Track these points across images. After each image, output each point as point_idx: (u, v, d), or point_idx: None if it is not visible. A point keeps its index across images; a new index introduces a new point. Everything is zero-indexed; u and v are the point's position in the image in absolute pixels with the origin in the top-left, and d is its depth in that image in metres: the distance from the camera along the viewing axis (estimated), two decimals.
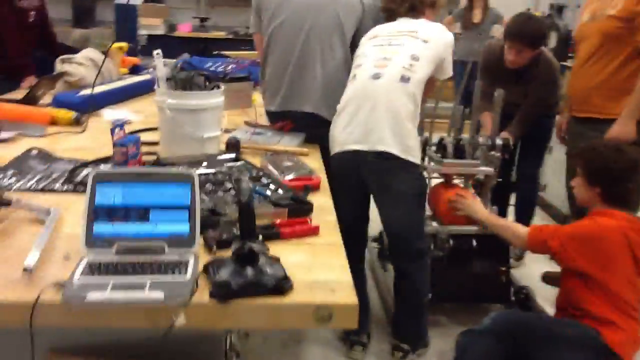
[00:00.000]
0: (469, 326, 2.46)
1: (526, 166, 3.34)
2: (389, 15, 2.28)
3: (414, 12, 2.24)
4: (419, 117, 2.16)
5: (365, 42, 2.22)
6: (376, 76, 2.08)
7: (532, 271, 3.32)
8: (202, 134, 1.93)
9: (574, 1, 4.09)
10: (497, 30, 5.95)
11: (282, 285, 1.15)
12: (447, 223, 2.62)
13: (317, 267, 1.28)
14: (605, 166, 2.04)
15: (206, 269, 1.21)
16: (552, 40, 4.43)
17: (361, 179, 2.17)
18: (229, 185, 1.69)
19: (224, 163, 1.90)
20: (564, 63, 3.39)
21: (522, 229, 2.21)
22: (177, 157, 1.88)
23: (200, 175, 1.73)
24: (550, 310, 2.59)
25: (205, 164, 1.85)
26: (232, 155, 1.98)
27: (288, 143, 2.18)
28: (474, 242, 2.61)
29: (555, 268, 3.26)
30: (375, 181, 2.15)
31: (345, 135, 2.10)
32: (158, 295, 1.08)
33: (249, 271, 1.16)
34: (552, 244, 2.03)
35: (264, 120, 2.47)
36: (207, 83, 1.99)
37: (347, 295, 1.17)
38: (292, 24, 2.25)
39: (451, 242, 2.57)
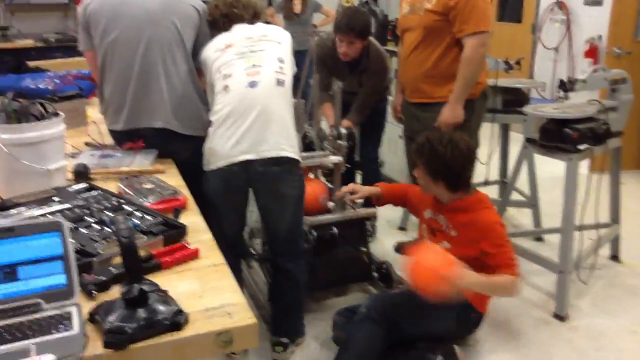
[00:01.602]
0: (336, 307, 2.62)
1: (368, 149, 3.55)
2: (229, 21, 2.24)
3: (256, 18, 2.27)
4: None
5: (220, 52, 2.14)
6: (252, 84, 2.05)
7: (385, 244, 3.57)
8: (46, 167, 1.79)
9: None
10: (319, 20, 6.19)
11: (178, 320, 1.14)
12: (309, 214, 2.71)
13: (207, 292, 1.28)
14: (445, 164, 2.16)
15: (92, 317, 1.15)
16: (372, 26, 4.70)
17: (246, 188, 2.16)
18: (90, 219, 1.60)
19: (77, 195, 1.79)
20: (387, 48, 3.62)
21: (507, 278, 2.10)
22: (22, 195, 1.73)
23: (54, 212, 1.63)
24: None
25: (56, 198, 1.73)
26: (85, 185, 1.87)
27: (142, 163, 2.09)
28: (335, 230, 2.72)
29: (403, 238, 3.56)
30: (264, 189, 2.15)
31: (230, 148, 2.04)
32: (49, 358, 1.01)
33: (141, 312, 1.12)
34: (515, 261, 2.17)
35: (108, 139, 2.34)
36: (46, 112, 1.85)
37: (245, 317, 1.18)
38: (128, 39, 2.14)
39: (314, 232, 2.66)
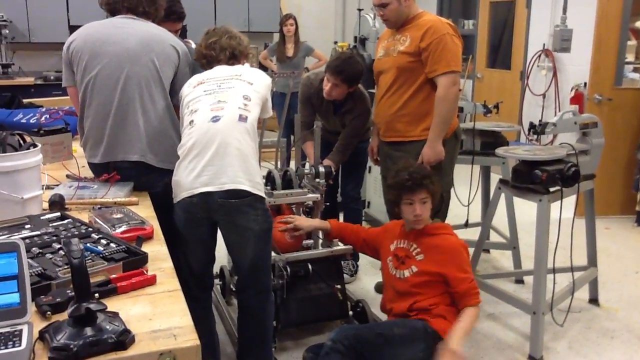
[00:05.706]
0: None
1: (349, 188, 3.62)
2: (208, 62, 2.36)
3: (234, 60, 2.36)
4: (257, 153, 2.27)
5: (192, 89, 2.25)
6: (215, 119, 2.13)
7: (366, 284, 3.60)
8: (21, 195, 1.86)
9: (374, 35, 4.54)
10: (311, 63, 6.37)
11: (123, 340, 1.18)
12: (283, 251, 2.76)
13: (157, 315, 1.32)
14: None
15: (42, 335, 1.19)
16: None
17: (210, 221, 2.19)
18: (57, 246, 1.65)
19: (49, 223, 1.85)
20: (372, 90, 3.72)
21: (474, 310, 2.27)
22: None
23: (24, 239, 1.68)
24: (384, 317, 2.83)
25: (28, 226, 1.79)
26: (57, 214, 1.92)
27: (116, 194, 2.16)
28: (309, 266, 2.77)
29: None
30: (224, 221, 2.18)
31: (191, 180, 2.10)
32: None
33: (88, 331, 1.17)
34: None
35: (87, 172, 2.42)
36: (22, 142, 1.92)
37: (188, 339, 1.23)
38: (107, 75, 2.24)
39: (288, 269, 2.70)
